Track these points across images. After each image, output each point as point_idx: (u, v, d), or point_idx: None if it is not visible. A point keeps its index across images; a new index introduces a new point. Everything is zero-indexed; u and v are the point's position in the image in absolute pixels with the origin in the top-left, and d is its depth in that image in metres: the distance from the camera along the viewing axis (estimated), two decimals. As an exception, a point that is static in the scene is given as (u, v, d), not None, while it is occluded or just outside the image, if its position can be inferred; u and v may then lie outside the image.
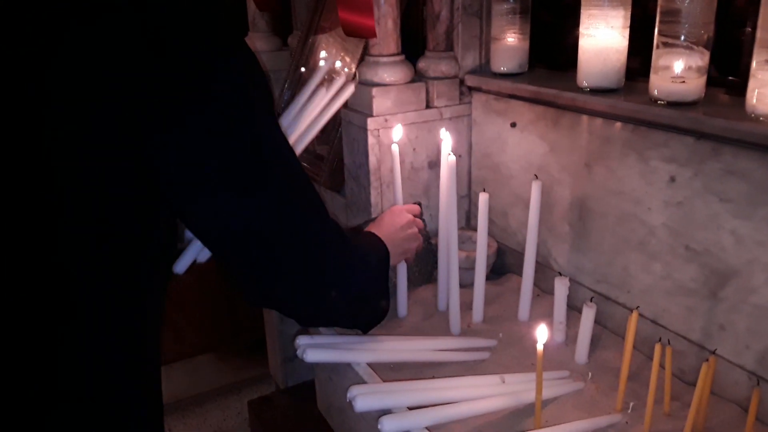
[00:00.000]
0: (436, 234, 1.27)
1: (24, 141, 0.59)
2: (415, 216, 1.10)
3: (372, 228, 1.04)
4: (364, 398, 0.81)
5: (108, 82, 0.58)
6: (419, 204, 1.25)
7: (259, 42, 1.92)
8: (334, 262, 0.80)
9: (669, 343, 0.87)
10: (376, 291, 0.95)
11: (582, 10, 1.06)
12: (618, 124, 1.03)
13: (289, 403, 1.85)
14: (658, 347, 0.85)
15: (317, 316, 0.87)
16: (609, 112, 1.03)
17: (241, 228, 0.68)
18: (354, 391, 0.82)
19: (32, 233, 0.62)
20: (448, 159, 1.08)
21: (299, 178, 0.75)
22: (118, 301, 0.67)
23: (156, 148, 0.61)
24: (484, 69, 1.35)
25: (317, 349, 0.91)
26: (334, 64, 1.62)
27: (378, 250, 0.98)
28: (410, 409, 0.83)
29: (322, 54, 1.76)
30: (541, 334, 0.79)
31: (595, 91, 1.06)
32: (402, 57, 1.30)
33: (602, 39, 1.04)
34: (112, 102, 0.58)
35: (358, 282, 0.86)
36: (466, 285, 1.18)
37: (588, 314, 1.00)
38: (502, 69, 1.27)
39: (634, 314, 0.90)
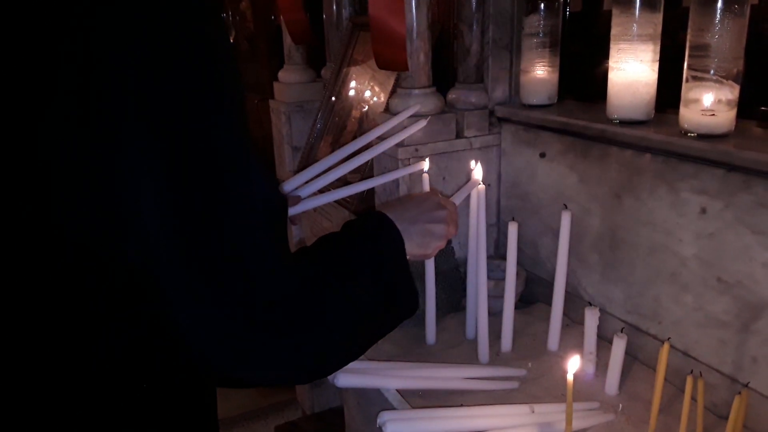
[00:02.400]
0: (464, 262, 1.29)
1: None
2: (452, 207, 0.88)
3: (386, 206, 0.82)
4: (394, 423, 0.82)
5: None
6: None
7: (294, 74, 1.99)
8: (291, 318, 0.59)
9: (701, 376, 0.86)
10: (382, 305, 0.70)
11: (611, 44, 1.08)
12: (648, 156, 1.03)
13: (315, 428, 1.85)
14: (689, 380, 0.85)
15: (313, 364, 0.64)
16: (639, 143, 1.04)
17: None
18: (385, 417, 0.83)
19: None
20: (478, 188, 1.10)
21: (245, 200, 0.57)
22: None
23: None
24: (513, 100, 1.37)
25: (348, 374, 0.93)
26: (366, 95, 1.67)
27: (380, 250, 0.73)
28: (440, 435, 0.84)
29: (352, 84, 1.81)
30: (573, 364, 0.80)
31: (625, 123, 1.07)
32: (433, 89, 1.33)
33: (632, 72, 1.06)
34: None
35: (346, 324, 0.65)
36: (495, 313, 1.19)
37: (619, 345, 0.99)
38: (532, 101, 1.30)
39: (666, 346, 0.90)
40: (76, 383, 0.58)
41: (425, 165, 1.18)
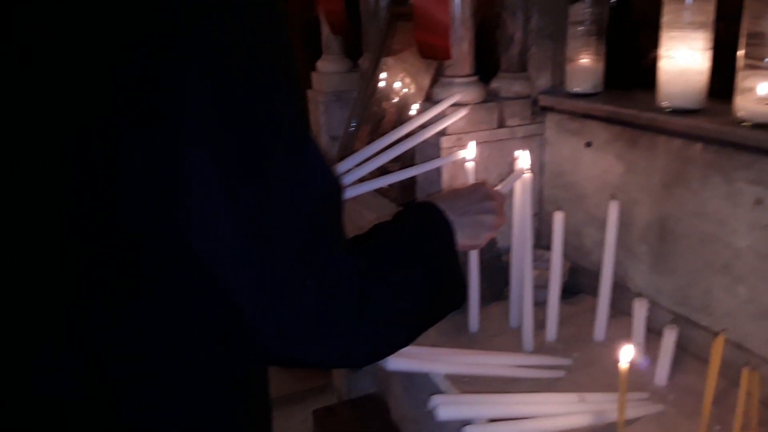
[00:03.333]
0: (506, 252, 1.29)
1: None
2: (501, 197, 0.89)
3: (437, 196, 0.84)
4: (446, 407, 0.83)
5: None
6: None
7: (331, 64, 1.99)
8: (349, 309, 0.60)
9: (755, 369, 0.86)
10: (433, 293, 0.72)
11: (663, 32, 1.06)
12: (699, 145, 1.02)
13: (352, 414, 1.87)
14: (745, 372, 0.84)
15: (363, 350, 0.66)
16: (691, 132, 1.03)
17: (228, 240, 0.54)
18: (436, 400, 0.84)
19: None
20: (523, 176, 1.10)
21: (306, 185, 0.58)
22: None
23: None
24: (557, 89, 1.36)
25: (398, 358, 0.94)
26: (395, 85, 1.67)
27: (432, 239, 0.74)
28: (491, 421, 0.85)
29: (383, 75, 1.81)
30: (627, 352, 0.79)
31: (677, 112, 1.06)
32: (476, 78, 1.33)
33: (683, 61, 1.05)
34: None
35: (402, 298, 0.66)
36: (537, 303, 1.18)
37: (670, 336, 0.99)
38: (577, 89, 1.28)
39: (720, 338, 0.89)
40: (143, 363, 0.60)
41: (468, 153, 1.18)
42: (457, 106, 1.28)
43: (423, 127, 1.26)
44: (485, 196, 0.85)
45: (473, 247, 0.86)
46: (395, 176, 1.24)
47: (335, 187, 0.64)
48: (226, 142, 0.53)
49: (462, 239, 0.78)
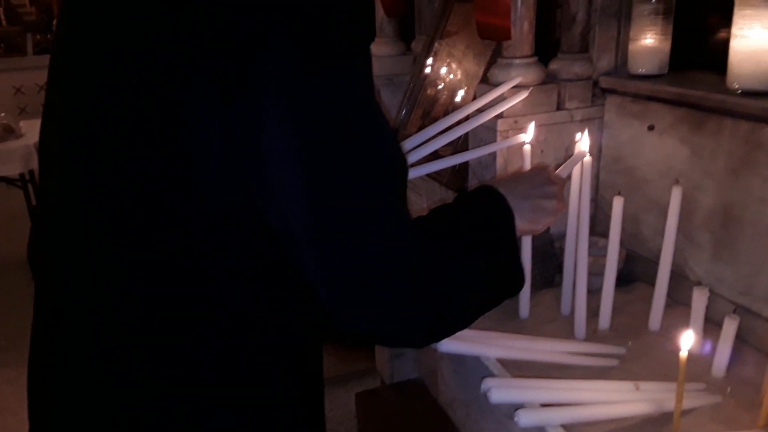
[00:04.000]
0: (558, 237, 1.26)
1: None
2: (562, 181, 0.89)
3: (497, 181, 0.83)
4: (499, 390, 0.83)
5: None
6: None
7: (385, 47, 1.99)
8: (413, 287, 0.62)
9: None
10: (491, 277, 0.73)
11: (735, 10, 1.02)
12: (771, 129, 0.98)
13: (395, 398, 1.89)
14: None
15: (424, 328, 0.67)
16: (762, 115, 0.98)
17: (302, 224, 0.57)
18: (489, 383, 0.84)
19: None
20: (583, 159, 1.07)
21: (376, 172, 0.60)
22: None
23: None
24: (620, 70, 1.32)
25: (450, 340, 0.94)
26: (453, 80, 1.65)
27: (492, 225, 0.75)
28: (543, 405, 0.84)
29: (429, 61, 1.79)
30: (687, 339, 0.77)
31: (748, 94, 1.01)
32: (535, 59, 1.30)
33: (757, 40, 1.00)
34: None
35: (459, 280, 0.67)
36: (591, 291, 1.16)
37: (730, 326, 0.95)
38: (641, 71, 1.24)
39: (787, 328, 0.85)
40: (206, 333, 0.62)
41: (527, 136, 1.16)
42: (517, 88, 1.26)
43: (480, 110, 1.25)
44: (546, 181, 0.84)
45: (533, 232, 0.86)
46: (451, 160, 1.23)
47: (402, 162, 0.65)
48: (305, 114, 0.55)
49: (522, 224, 0.78)
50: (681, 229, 1.11)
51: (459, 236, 0.70)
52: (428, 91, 1.77)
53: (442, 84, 1.72)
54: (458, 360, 1.02)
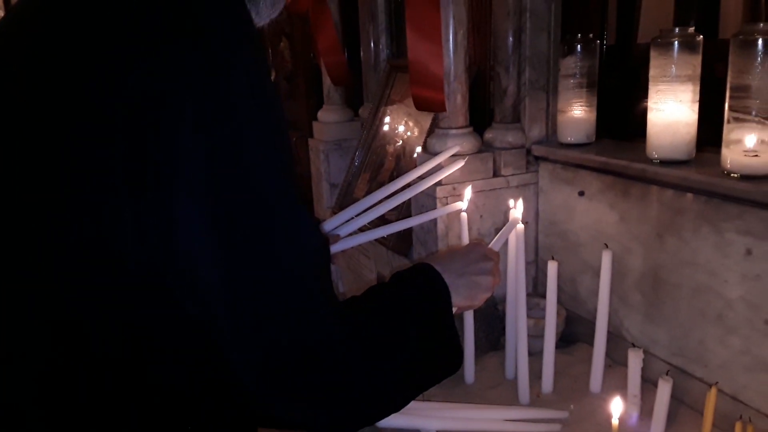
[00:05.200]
0: (502, 300, 1.28)
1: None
2: (496, 256, 0.88)
3: (434, 258, 0.84)
4: (436, 465, 0.82)
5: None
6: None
7: (332, 113, 2.04)
8: (332, 363, 0.60)
9: (750, 421, 0.84)
10: (424, 359, 0.72)
11: (650, 86, 1.09)
12: (690, 196, 1.03)
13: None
14: (738, 426, 0.83)
15: (346, 415, 0.66)
16: (681, 184, 1.04)
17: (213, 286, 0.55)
18: (426, 458, 0.83)
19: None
20: (516, 227, 1.11)
21: (290, 237, 0.59)
22: None
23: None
24: (551, 139, 1.38)
25: (389, 414, 0.93)
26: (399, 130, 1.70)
27: (425, 301, 0.74)
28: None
29: (386, 120, 1.85)
30: (616, 407, 0.79)
31: (666, 163, 1.07)
32: (470, 129, 1.35)
33: (671, 113, 1.07)
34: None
35: (388, 363, 0.66)
36: (535, 353, 1.18)
37: (664, 388, 0.97)
38: (569, 140, 1.30)
39: (713, 390, 0.88)
40: (126, 417, 0.61)
41: (463, 204, 1.20)
42: (455, 157, 1.30)
43: (421, 178, 1.28)
44: (481, 257, 0.84)
45: (470, 308, 0.87)
46: (392, 227, 1.25)
47: (321, 244, 0.65)
48: (219, 202, 0.55)
49: (458, 300, 0.78)
50: (615, 291, 1.14)
51: (392, 319, 0.69)
52: (386, 148, 1.81)
53: (401, 141, 1.77)
54: (400, 433, 1.01)
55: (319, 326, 0.60)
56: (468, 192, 1.22)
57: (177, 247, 0.55)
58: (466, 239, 1.21)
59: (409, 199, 1.45)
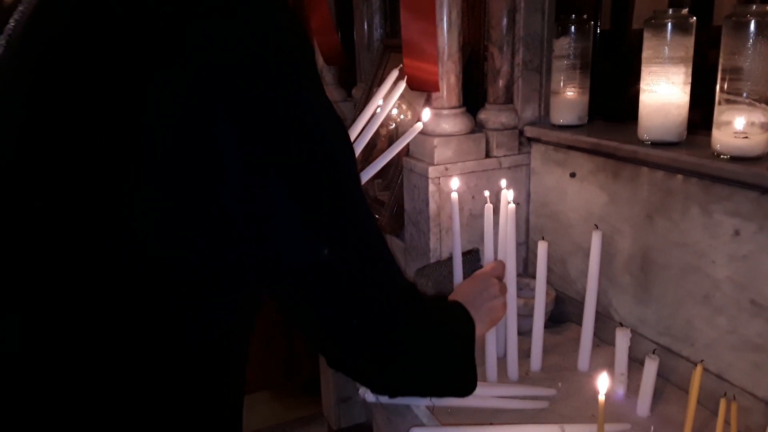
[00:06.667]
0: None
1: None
2: (499, 278, 1.03)
3: (455, 296, 0.97)
4: (425, 440, 0.83)
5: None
6: (477, 250, 1.27)
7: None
8: (408, 332, 0.73)
9: (735, 399, 0.86)
10: (457, 369, 0.86)
11: (643, 67, 1.09)
12: (680, 177, 1.04)
13: (342, 444, 1.86)
14: (723, 402, 0.84)
15: (387, 385, 0.82)
16: (671, 165, 1.04)
17: (301, 263, 0.60)
18: (416, 432, 0.84)
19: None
20: (508, 207, 1.11)
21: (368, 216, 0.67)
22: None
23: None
24: (543, 120, 1.39)
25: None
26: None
27: (464, 324, 0.88)
28: (470, 453, 0.85)
29: (380, 100, 1.84)
30: (603, 383, 0.80)
31: (657, 145, 1.08)
32: (463, 109, 1.35)
33: (663, 95, 1.07)
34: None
35: (435, 358, 0.80)
36: (524, 332, 1.19)
37: (651, 367, 0.99)
38: (561, 121, 1.31)
39: (699, 368, 0.89)
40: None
41: (425, 117, 1.23)
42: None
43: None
44: (490, 284, 0.98)
45: (490, 329, 1.04)
46: (365, 173, 1.23)
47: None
48: (307, 185, 0.59)
49: (481, 329, 0.92)
50: (604, 272, 1.16)
51: (445, 325, 0.84)
52: (378, 131, 1.80)
53: (394, 124, 1.76)
54: (390, 408, 1.02)
55: (398, 306, 0.71)
56: (426, 112, 1.23)
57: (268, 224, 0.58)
58: (457, 219, 1.22)
59: (402, 178, 1.46)
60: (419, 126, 1.22)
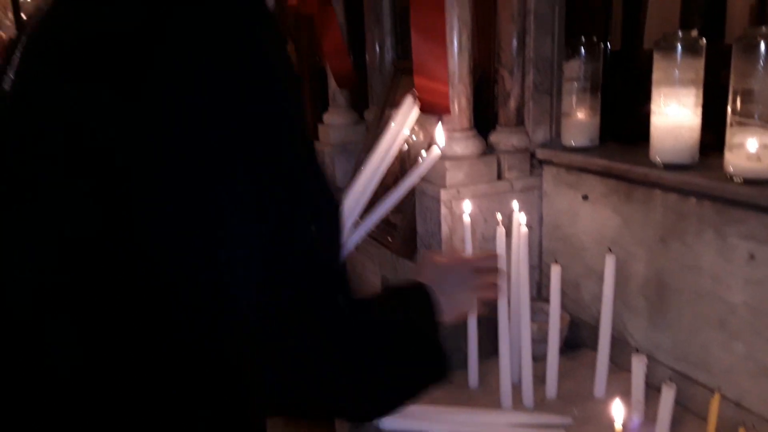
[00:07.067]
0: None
1: None
2: (490, 267, 0.95)
3: (427, 275, 0.88)
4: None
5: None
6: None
7: (338, 116, 2.04)
8: (335, 346, 0.64)
9: (754, 428, 0.84)
10: (421, 364, 0.78)
11: (653, 89, 1.08)
12: (693, 200, 1.03)
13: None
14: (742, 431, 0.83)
15: (356, 410, 0.73)
16: (683, 188, 1.03)
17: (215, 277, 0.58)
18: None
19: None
20: (520, 232, 1.11)
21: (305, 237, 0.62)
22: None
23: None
24: (555, 142, 1.38)
25: (394, 416, 0.93)
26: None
27: (422, 314, 0.81)
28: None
29: (392, 120, 1.84)
30: (617, 411, 0.79)
31: (669, 167, 1.07)
32: (474, 132, 1.35)
33: (674, 117, 1.06)
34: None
35: (392, 366, 0.72)
36: (539, 358, 1.18)
37: (668, 394, 0.97)
38: (573, 143, 1.30)
39: (716, 396, 0.88)
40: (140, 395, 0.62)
41: (441, 142, 1.17)
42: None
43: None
44: (469, 276, 0.90)
45: (459, 320, 0.91)
46: (378, 212, 1.22)
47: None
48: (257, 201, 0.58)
49: (446, 318, 0.84)
50: (619, 296, 1.14)
51: (392, 324, 0.75)
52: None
53: (407, 146, 1.77)
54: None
55: (332, 303, 0.63)
56: (440, 134, 1.18)
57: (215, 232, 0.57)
58: (469, 243, 1.21)
59: (414, 202, 1.46)
60: (437, 153, 1.19)
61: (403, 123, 1.22)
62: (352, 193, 1.13)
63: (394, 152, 1.19)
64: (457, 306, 0.86)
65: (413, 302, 0.81)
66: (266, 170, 0.59)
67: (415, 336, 0.77)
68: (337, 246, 0.68)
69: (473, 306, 0.90)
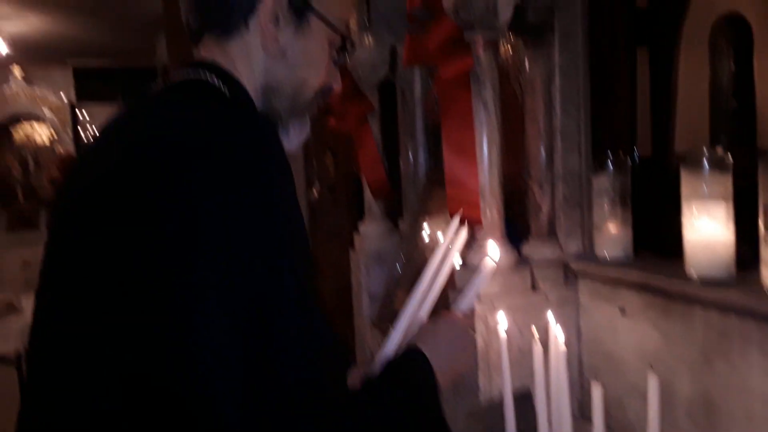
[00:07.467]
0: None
1: None
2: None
3: (423, 339, 0.93)
4: None
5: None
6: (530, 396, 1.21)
7: (373, 226, 2.09)
8: None
9: None
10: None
11: (683, 203, 1.08)
12: (734, 317, 1.00)
13: None
14: None
15: None
16: (722, 304, 1.01)
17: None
18: None
19: None
20: (558, 350, 1.08)
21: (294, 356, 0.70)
22: None
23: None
24: (588, 254, 1.38)
25: None
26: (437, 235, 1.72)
27: (422, 391, 0.86)
28: None
29: (426, 232, 1.87)
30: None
31: (705, 282, 1.05)
32: (506, 243, 1.36)
33: (706, 231, 1.05)
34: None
35: None
36: (584, 483, 1.11)
37: None
38: (607, 255, 1.29)
39: None
40: None
41: (495, 256, 1.13)
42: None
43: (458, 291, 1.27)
44: (461, 332, 0.96)
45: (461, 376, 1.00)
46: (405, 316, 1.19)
47: (335, 349, 0.81)
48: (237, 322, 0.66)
49: (443, 382, 0.88)
50: (664, 417, 1.08)
51: (385, 409, 0.80)
52: (425, 255, 1.81)
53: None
54: None
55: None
56: (492, 244, 1.15)
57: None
58: (506, 357, 1.18)
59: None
60: (492, 266, 1.16)
61: (452, 247, 1.22)
62: (404, 316, 1.13)
63: (443, 279, 1.19)
64: (455, 369, 0.92)
65: (410, 378, 0.85)
66: (245, 304, 0.66)
67: (415, 414, 0.82)
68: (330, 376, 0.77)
69: (471, 365, 0.96)
